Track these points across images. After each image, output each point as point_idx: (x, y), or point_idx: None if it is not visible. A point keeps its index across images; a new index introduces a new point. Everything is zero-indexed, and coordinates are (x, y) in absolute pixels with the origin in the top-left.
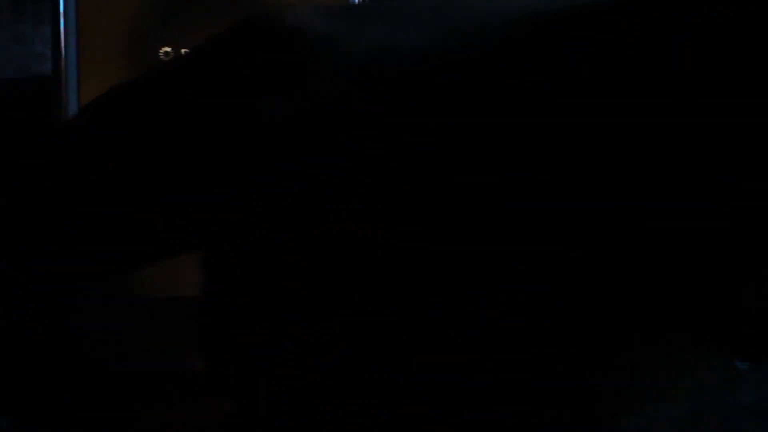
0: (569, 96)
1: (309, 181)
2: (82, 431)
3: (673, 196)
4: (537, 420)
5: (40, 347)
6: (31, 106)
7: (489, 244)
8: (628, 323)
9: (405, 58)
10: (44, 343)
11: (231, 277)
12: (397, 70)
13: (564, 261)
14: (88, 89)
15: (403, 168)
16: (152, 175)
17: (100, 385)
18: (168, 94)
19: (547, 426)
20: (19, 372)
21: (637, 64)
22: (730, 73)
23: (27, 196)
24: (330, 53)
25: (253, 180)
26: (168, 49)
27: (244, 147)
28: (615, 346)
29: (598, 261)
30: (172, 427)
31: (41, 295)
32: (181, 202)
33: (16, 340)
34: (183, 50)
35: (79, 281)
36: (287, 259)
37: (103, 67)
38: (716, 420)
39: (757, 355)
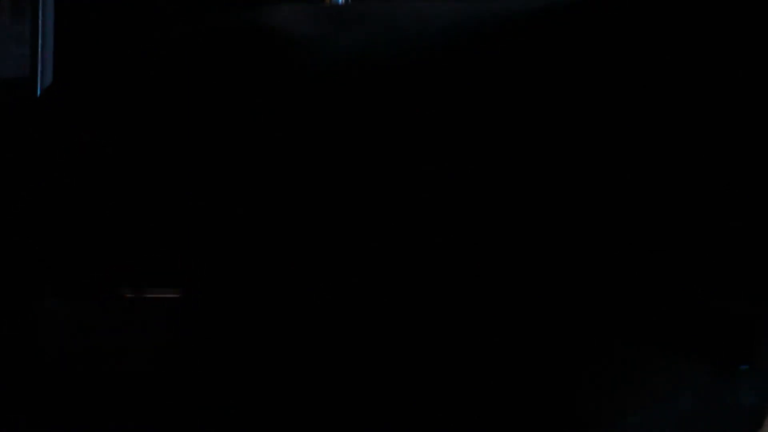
0: (551, 95)
1: (295, 180)
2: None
3: (663, 198)
4: (535, 419)
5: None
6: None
7: (478, 243)
8: (623, 324)
9: (386, 60)
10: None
11: (220, 277)
12: (379, 70)
13: (560, 261)
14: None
15: (385, 166)
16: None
17: (93, 385)
18: (151, 80)
19: (545, 424)
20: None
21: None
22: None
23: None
24: (312, 53)
25: (234, 181)
26: None
27: (224, 145)
28: (612, 346)
29: (595, 260)
30: (168, 427)
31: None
32: (163, 200)
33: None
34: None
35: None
36: (276, 259)
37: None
38: (716, 420)
39: (744, 360)
